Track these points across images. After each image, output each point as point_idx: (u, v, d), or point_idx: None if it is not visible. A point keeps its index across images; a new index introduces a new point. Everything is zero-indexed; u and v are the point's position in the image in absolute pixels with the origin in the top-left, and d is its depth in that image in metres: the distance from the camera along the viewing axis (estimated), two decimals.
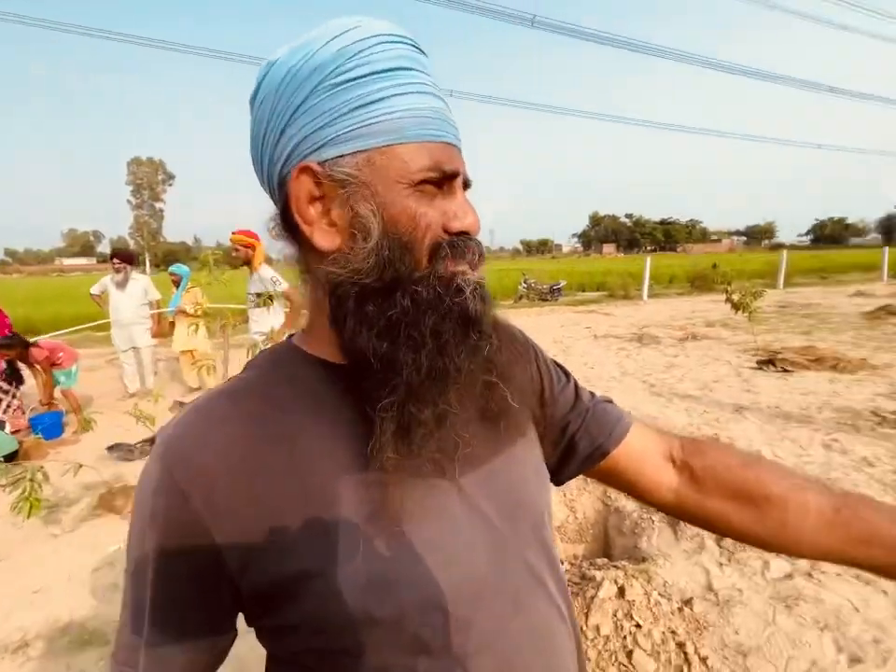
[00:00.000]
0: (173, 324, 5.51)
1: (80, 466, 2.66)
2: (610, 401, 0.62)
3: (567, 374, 0.61)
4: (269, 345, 3.42)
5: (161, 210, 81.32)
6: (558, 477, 0.61)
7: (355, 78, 0.39)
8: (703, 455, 0.57)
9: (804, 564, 2.30)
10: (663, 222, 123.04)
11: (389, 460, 0.40)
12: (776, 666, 1.75)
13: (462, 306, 0.41)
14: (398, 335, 0.40)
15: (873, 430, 3.97)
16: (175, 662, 0.43)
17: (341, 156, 0.40)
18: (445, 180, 0.42)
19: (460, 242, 0.43)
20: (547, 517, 0.52)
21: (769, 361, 6.02)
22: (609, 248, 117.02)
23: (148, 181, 78.70)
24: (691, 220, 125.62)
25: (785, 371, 5.82)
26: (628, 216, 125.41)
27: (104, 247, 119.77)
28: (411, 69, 0.41)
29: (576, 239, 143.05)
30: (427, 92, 0.42)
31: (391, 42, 0.41)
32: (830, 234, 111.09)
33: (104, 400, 5.43)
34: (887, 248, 19.83)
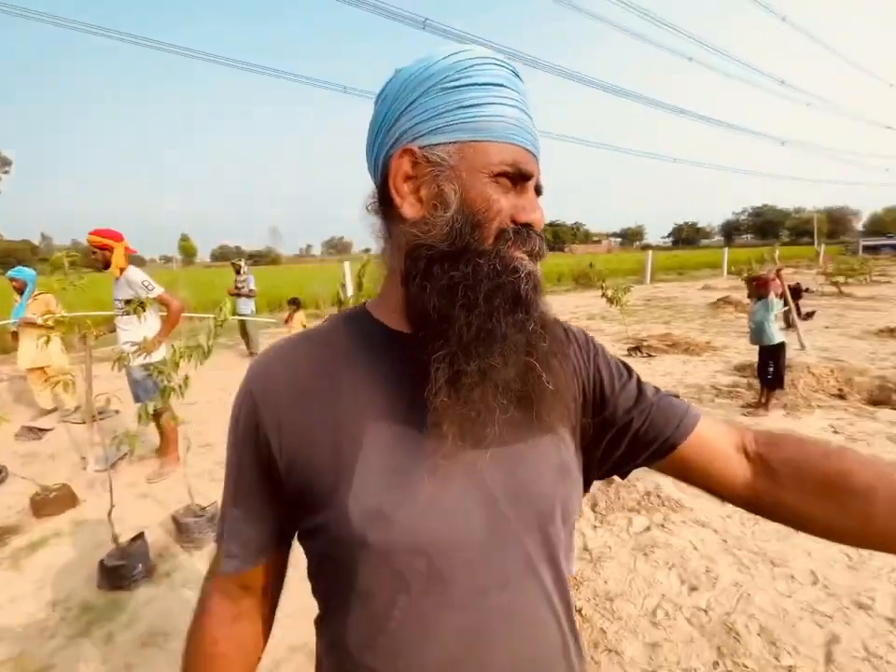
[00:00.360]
0: (16, 336, 4.70)
1: None
2: (677, 396, 0.60)
3: (629, 371, 0.61)
4: (141, 356, 3.08)
5: None
6: (624, 469, 0.60)
7: (459, 86, 0.48)
8: (778, 446, 0.55)
9: (658, 517, 2.73)
10: (551, 224, 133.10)
11: (443, 403, 0.45)
12: (635, 605, 2.07)
13: (515, 285, 0.48)
14: (455, 295, 0.46)
15: (712, 401, 4.78)
16: (243, 533, 0.55)
17: (437, 144, 0.48)
18: (520, 178, 0.49)
19: (524, 231, 0.49)
20: (559, 515, 0.52)
21: (637, 348, 6.91)
22: None
23: None
24: (575, 223, 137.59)
25: (649, 355, 6.72)
26: None
27: None
28: (504, 86, 0.49)
29: None
30: (515, 106, 0.50)
31: (492, 64, 0.49)
32: (686, 237, 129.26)
33: None
34: (726, 248, 23.75)
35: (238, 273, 7.64)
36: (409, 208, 0.49)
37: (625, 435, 0.57)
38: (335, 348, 0.54)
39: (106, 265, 3.17)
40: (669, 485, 3.08)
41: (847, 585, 2.15)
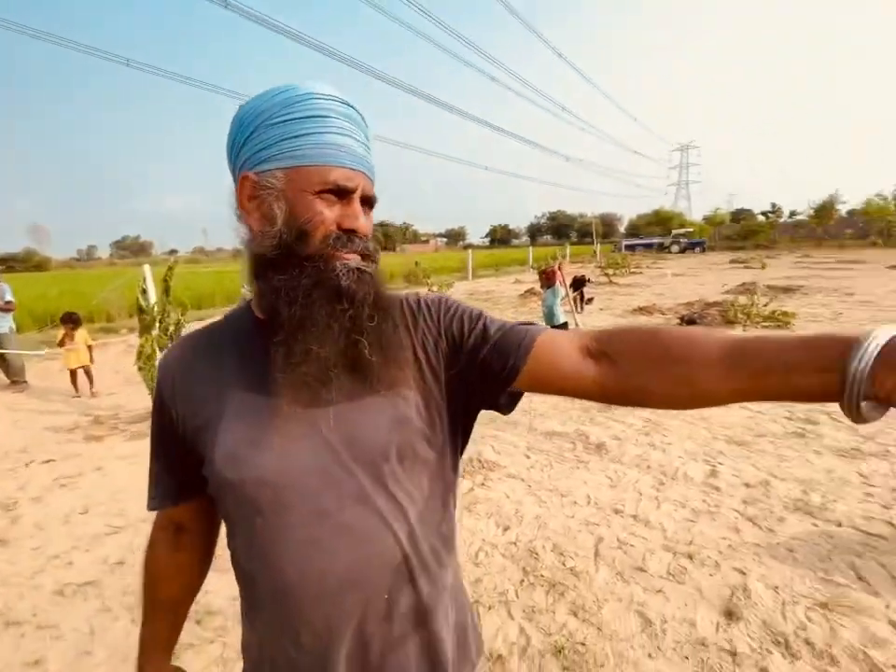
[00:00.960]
0: None
1: None
2: (527, 323, 0.66)
3: (479, 316, 0.68)
4: None
5: None
6: (497, 404, 0.66)
7: (285, 121, 0.58)
8: (613, 340, 0.60)
9: (479, 478, 3.17)
10: (382, 224, 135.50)
11: (279, 379, 0.58)
12: (461, 553, 2.41)
13: (334, 281, 0.58)
14: (280, 293, 0.58)
15: None
16: (162, 479, 0.72)
17: (269, 170, 0.58)
18: (343, 193, 0.59)
19: (346, 236, 0.59)
20: (394, 456, 0.61)
21: None
22: None
23: None
24: (404, 223, 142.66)
25: None
26: None
27: None
28: (327, 117, 0.58)
29: None
30: (338, 133, 0.59)
31: (316, 99, 0.58)
32: (500, 237, 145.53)
33: None
34: (531, 248, 27.67)
35: None
36: (253, 223, 0.61)
37: (482, 371, 0.64)
38: (219, 335, 0.70)
39: None
40: (489, 451, 3.60)
41: (608, 499, 2.85)
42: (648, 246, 47.19)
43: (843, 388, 0.43)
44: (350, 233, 0.60)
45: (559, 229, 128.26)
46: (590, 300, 11.07)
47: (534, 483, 3.08)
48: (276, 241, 0.58)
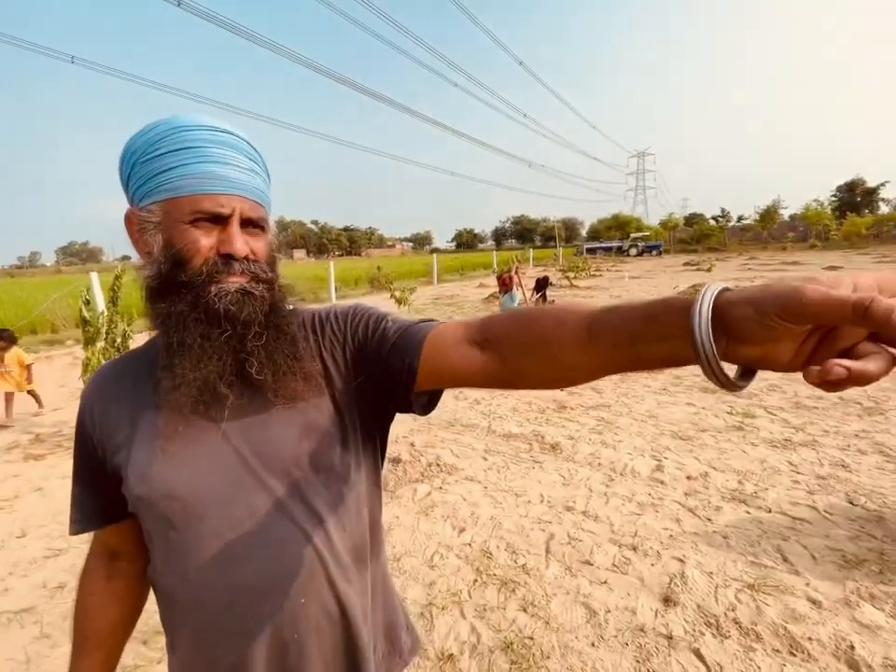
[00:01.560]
0: None
1: None
2: (427, 320, 0.66)
3: (381, 319, 0.69)
4: None
5: None
6: (409, 405, 0.66)
7: (154, 157, 0.60)
8: (493, 326, 0.60)
9: (438, 481, 3.22)
10: (346, 229, 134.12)
11: (164, 401, 0.61)
12: (417, 557, 2.45)
13: (212, 305, 0.59)
14: (163, 321, 0.61)
15: None
16: (85, 503, 0.73)
17: (148, 204, 0.61)
18: (217, 219, 0.60)
19: (223, 260, 0.61)
20: (307, 464, 0.64)
21: None
22: (300, 254, 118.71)
23: None
24: (370, 227, 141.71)
25: None
26: (314, 222, 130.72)
27: None
28: (198, 147, 0.60)
29: None
30: (210, 161, 0.60)
31: (183, 131, 0.60)
32: (466, 241, 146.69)
33: None
34: (495, 252, 28.07)
35: None
36: (140, 253, 0.64)
37: (385, 373, 0.65)
38: (135, 362, 0.72)
39: None
40: (448, 454, 3.65)
41: (561, 497, 2.96)
42: (607, 250, 48.80)
43: (696, 356, 0.39)
44: (228, 258, 0.61)
45: (523, 233, 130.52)
46: (552, 302, 11.35)
47: (490, 485, 3.15)
48: (156, 270, 0.61)
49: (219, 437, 0.63)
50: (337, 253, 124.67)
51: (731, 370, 0.40)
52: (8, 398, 5.16)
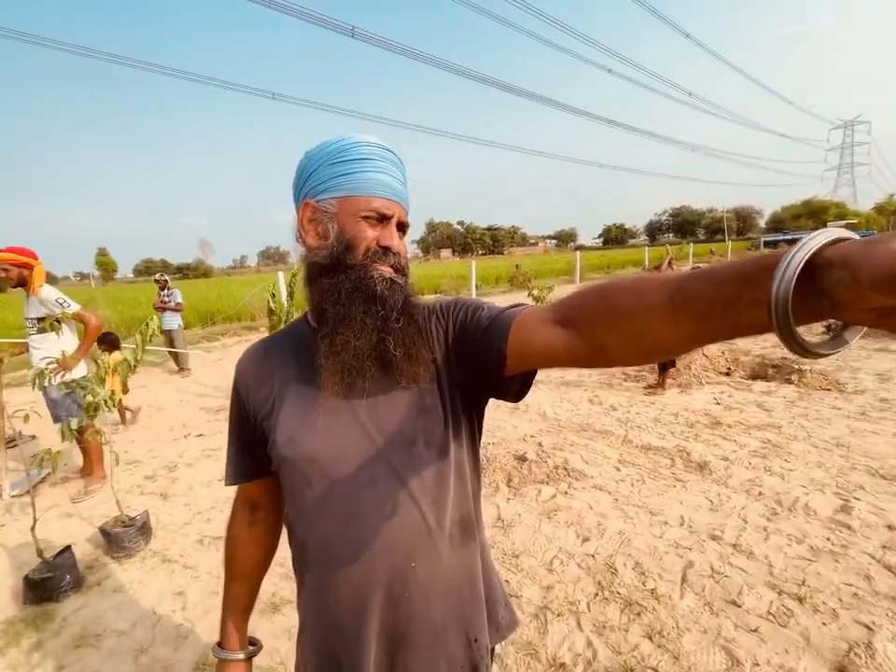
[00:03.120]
0: None
1: None
2: (516, 305, 0.70)
3: (478, 307, 0.75)
4: (60, 373, 3.08)
5: None
6: (506, 392, 0.70)
7: (338, 162, 0.71)
8: (573, 303, 0.60)
9: (564, 486, 3.12)
10: (490, 228, 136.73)
11: (322, 366, 0.70)
12: (536, 558, 2.41)
13: (370, 287, 0.70)
14: (328, 293, 0.71)
15: (620, 385, 5.35)
16: (237, 461, 0.85)
17: (326, 199, 0.72)
18: (382, 218, 0.72)
19: (382, 251, 0.72)
20: (420, 441, 0.72)
21: None
22: (446, 253, 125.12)
23: None
24: (513, 226, 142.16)
25: None
26: (460, 223, 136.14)
27: None
28: (373, 159, 0.72)
29: (415, 245, 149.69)
30: (381, 171, 0.72)
31: (363, 146, 0.72)
32: (615, 237, 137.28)
33: None
34: (647, 248, 25.77)
35: (163, 289, 7.43)
36: (310, 239, 0.74)
37: (480, 357, 0.69)
38: (280, 341, 0.83)
39: (20, 284, 3.12)
40: (577, 459, 3.50)
41: (705, 523, 2.61)
42: (793, 242, 40.74)
43: (769, 318, 0.34)
44: (386, 250, 0.72)
45: (683, 226, 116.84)
46: None
47: (621, 497, 2.94)
48: (329, 252, 0.72)
49: (352, 411, 0.72)
50: (480, 252, 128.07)
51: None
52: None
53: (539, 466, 3.35)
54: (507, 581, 2.25)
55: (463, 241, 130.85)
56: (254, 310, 12.39)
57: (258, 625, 2.06)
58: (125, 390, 4.67)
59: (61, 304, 3.17)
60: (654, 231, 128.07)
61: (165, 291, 7.40)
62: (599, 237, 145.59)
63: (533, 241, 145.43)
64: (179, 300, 7.49)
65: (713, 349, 6.05)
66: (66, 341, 3.28)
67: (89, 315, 3.26)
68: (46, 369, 2.76)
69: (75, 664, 1.92)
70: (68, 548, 2.45)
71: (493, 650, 0.85)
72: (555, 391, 5.25)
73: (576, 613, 2.03)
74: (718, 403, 4.54)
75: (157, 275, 7.75)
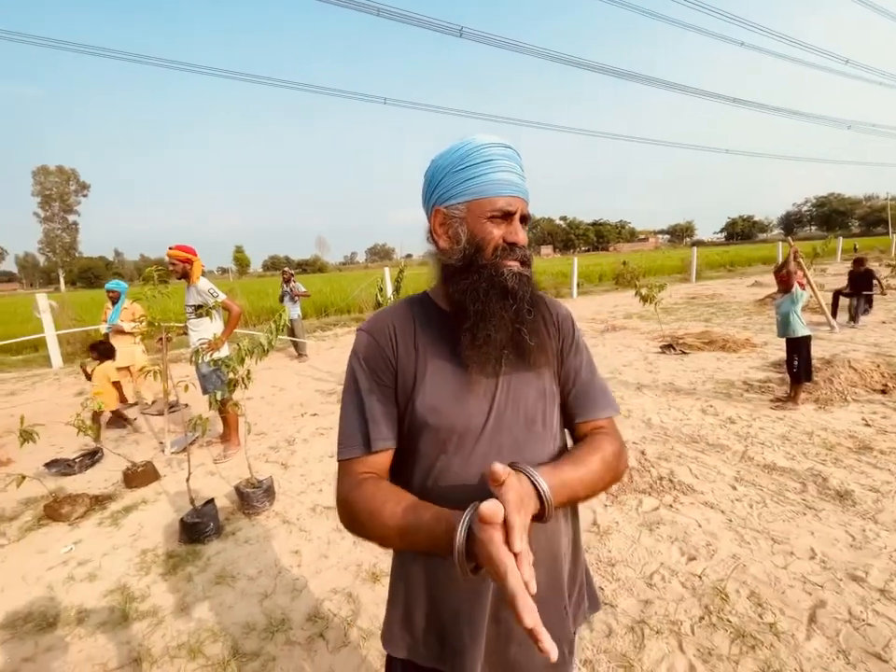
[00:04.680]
0: (107, 339, 5.43)
1: (24, 477, 2.77)
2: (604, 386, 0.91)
3: (579, 350, 0.91)
4: (210, 351, 3.64)
5: (76, 223, 74.52)
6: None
7: (463, 168, 0.78)
8: (578, 441, 0.87)
9: (668, 498, 2.91)
10: (595, 223, 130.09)
11: (466, 356, 0.77)
12: (634, 570, 2.29)
13: (504, 282, 0.77)
14: (466, 292, 0.77)
15: (741, 396, 4.79)
16: (379, 426, 0.80)
17: (454, 204, 0.79)
18: (507, 216, 0.78)
19: (509, 247, 0.78)
20: (539, 419, 0.82)
21: (669, 345, 6.90)
22: (546, 249, 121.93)
23: (59, 191, 71.90)
24: (620, 221, 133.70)
25: (683, 352, 6.71)
26: (563, 218, 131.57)
27: (8, 265, 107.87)
28: (493, 160, 0.78)
29: None
30: (501, 171, 0.77)
31: (484, 148, 0.78)
32: (741, 231, 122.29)
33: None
34: (780, 243, 22.51)
35: (287, 281, 8.34)
36: (442, 243, 0.82)
37: (562, 396, 0.89)
38: (412, 316, 0.86)
39: (182, 276, 3.74)
40: (685, 472, 3.24)
41: (844, 561, 2.26)
42: None
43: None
44: (512, 245, 0.79)
45: (830, 217, 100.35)
46: (865, 311, 8.43)
47: (737, 519, 2.65)
48: (462, 254, 0.79)
49: (489, 389, 0.80)
50: (583, 248, 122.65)
51: None
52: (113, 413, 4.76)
53: (640, 475, 3.16)
54: (601, 587, 2.18)
55: (565, 237, 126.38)
56: (361, 303, 13.29)
57: (360, 592, 2.25)
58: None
59: (212, 294, 3.72)
60: (792, 222, 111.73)
61: (291, 283, 8.30)
62: (721, 231, 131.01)
63: (643, 236, 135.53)
64: (303, 289, 8.43)
65: (866, 361, 5.15)
66: (216, 325, 3.86)
67: (231, 304, 3.80)
68: (200, 348, 3.28)
69: (215, 597, 2.28)
70: (211, 500, 2.90)
71: (575, 633, 0.90)
72: (662, 397, 4.88)
73: (678, 634, 1.90)
74: (868, 425, 3.87)
75: (285, 268, 8.74)
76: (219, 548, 2.68)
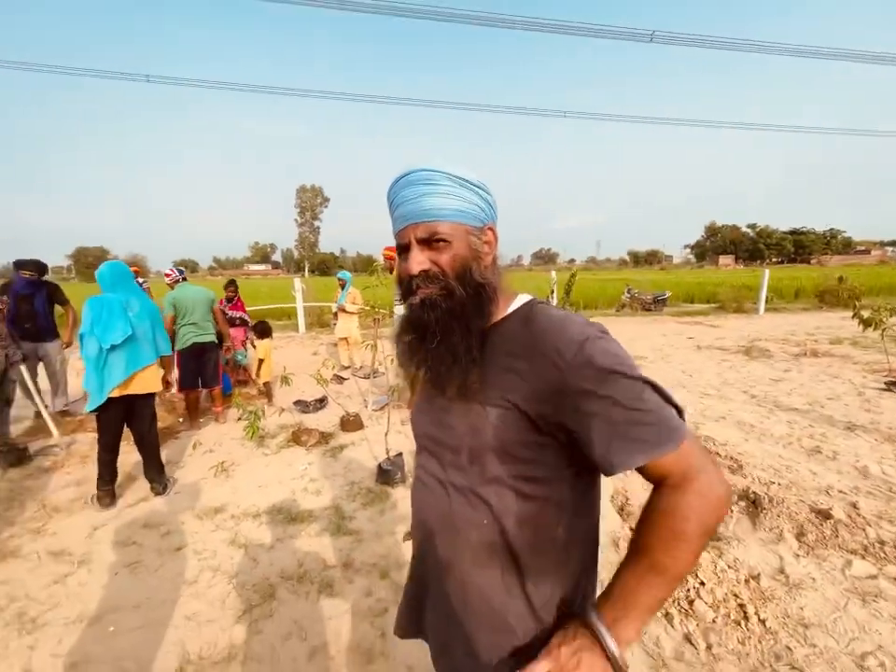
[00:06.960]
0: (335, 316, 6.58)
1: (283, 409, 3.52)
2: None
3: (604, 382, 0.61)
4: None
5: (318, 227, 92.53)
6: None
7: (390, 211, 0.77)
8: (644, 511, 0.66)
9: (892, 569, 2.17)
10: (793, 231, 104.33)
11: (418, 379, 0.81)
12: (837, 641, 1.77)
13: (408, 316, 0.74)
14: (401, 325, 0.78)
15: None
16: None
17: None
18: (405, 248, 0.72)
19: (409, 280, 0.72)
20: (465, 454, 0.71)
21: None
22: (726, 260, 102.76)
23: (310, 204, 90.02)
24: (830, 229, 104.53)
25: None
26: (751, 225, 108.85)
27: (277, 256, 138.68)
28: (395, 199, 0.74)
29: (688, 250, 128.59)
30: (400, 206, 0.72)
31: (392, 188, 0.74)
32: None
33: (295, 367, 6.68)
34: None
35: None
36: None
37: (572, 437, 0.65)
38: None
39: (391, 270, 4.25)
40: None
41: None
42: None
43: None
44: (411, 277, 0.71)
45: None
46: None
47: None
48: (400, 289, 0.76)
49: (434, 409, 0.78)
50: (774, 259, 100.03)
51: None
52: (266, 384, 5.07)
53: (850, 531, 2.43)
54: (788, 646, 1.75)
55: (752, 246, 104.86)
56: None
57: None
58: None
59: None
60: None
61: None
62: None
63: (862, 247, 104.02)
64: None
65: None
66: None
67: None
68: None
69: (397, 534, 2.55)
70: (401, 454, 3.24)
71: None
72: (887, 444, 3.66)
73: None
74: None
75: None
76: (403, 494, 2.98)
